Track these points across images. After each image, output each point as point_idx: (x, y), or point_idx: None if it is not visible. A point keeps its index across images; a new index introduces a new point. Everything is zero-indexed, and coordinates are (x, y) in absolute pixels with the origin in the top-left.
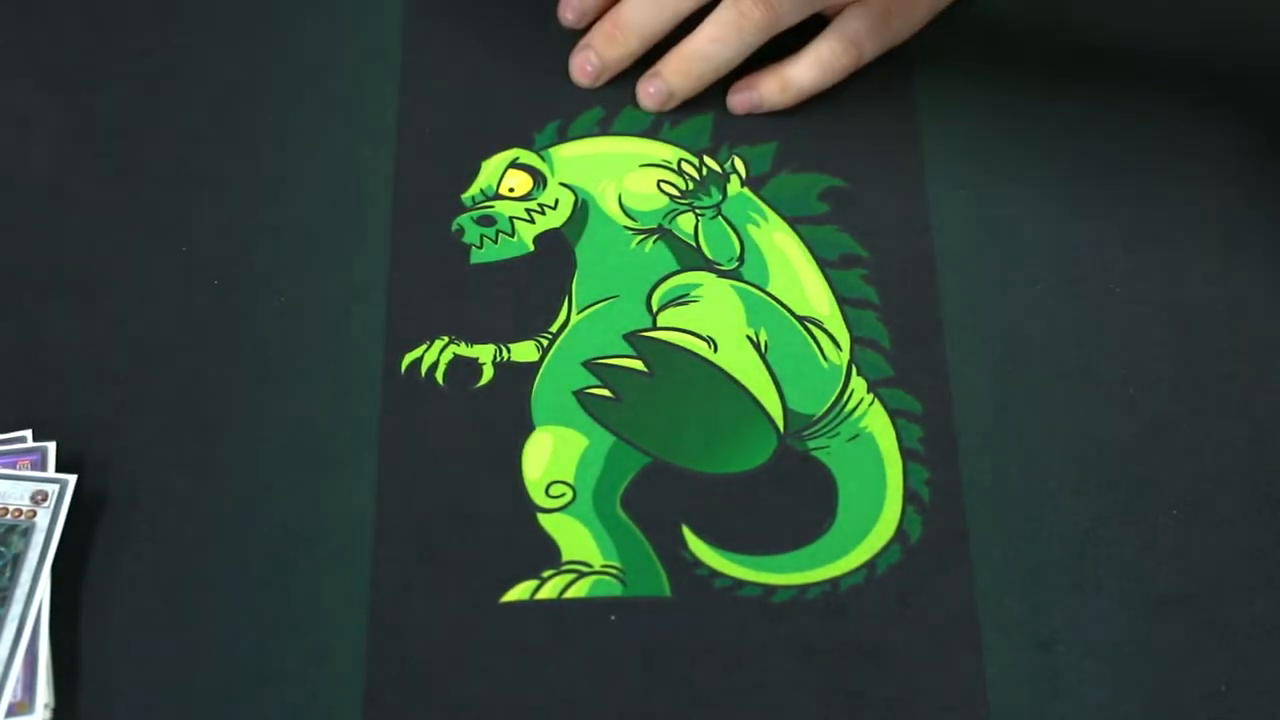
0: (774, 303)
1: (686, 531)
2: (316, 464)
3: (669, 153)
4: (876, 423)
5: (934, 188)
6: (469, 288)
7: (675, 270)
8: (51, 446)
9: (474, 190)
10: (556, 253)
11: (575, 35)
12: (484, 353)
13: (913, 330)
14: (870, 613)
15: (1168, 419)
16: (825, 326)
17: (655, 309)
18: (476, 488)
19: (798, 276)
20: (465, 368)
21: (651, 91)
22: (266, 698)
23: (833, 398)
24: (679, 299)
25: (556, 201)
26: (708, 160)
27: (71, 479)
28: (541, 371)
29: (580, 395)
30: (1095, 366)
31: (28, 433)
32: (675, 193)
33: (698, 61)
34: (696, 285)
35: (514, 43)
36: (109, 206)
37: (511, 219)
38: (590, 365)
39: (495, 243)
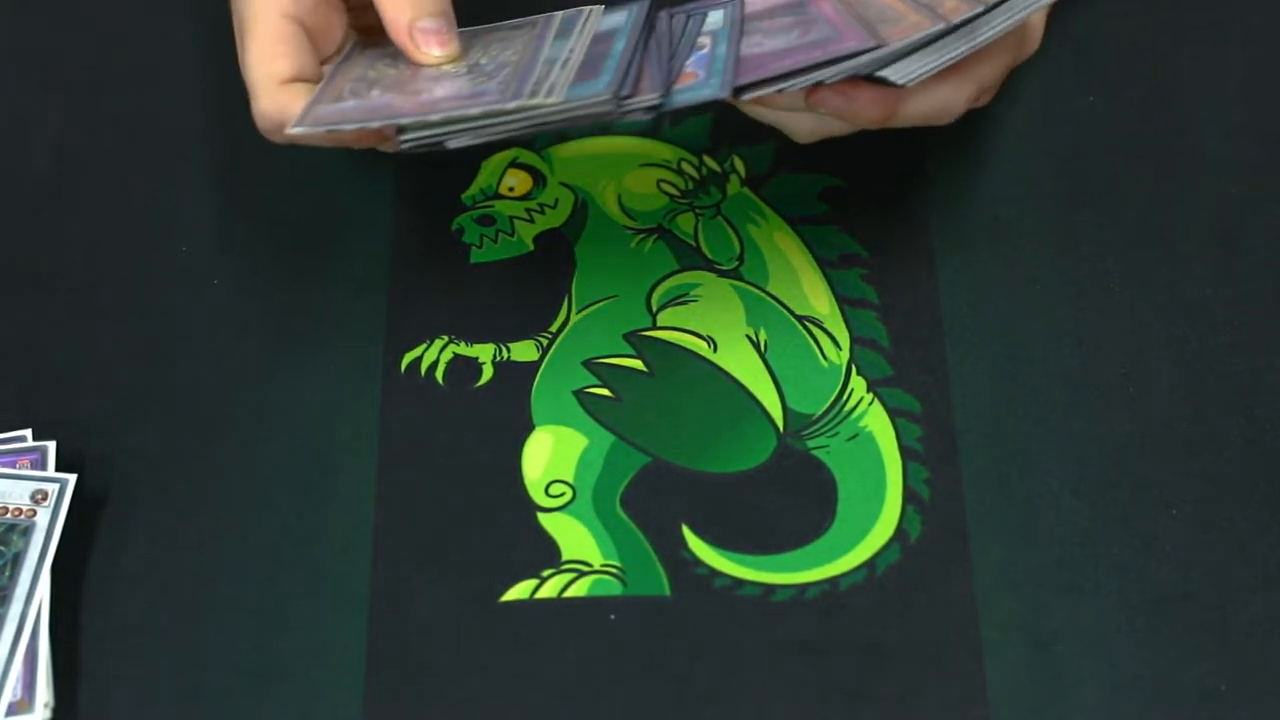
0: (774, 302)
1: (686, 531)
2: (316, 464)
3: (668, 152)
4: (876, 422)
5: (934, 188)
6: (469, 287)
7: (675, 270)
8: (51, 446)
9: (474, 190)
10: (556, 252)
11: None
12: (484, 352)
13: (912, 330)
14: (870, 612)
15: (1168, 419)
16: (825, 326)
17: (655, 308)
18: (476, 487)
19: (797, 276)
20: (465, 367)
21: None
22: (266, 698)
23: (832, 397)
24: (679, 298)
25: (556, 201)
26: (707, 160)
27: (71, 478)
28: (541, 371)
29: (580, 395)
30: (1095, 366)
31: (28, 432)
32: (675, 192)
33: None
34: (696, 285)
35: None
36: (109, 206)
37: (511, 218)
38: (590, 365)
39: (495, 242)
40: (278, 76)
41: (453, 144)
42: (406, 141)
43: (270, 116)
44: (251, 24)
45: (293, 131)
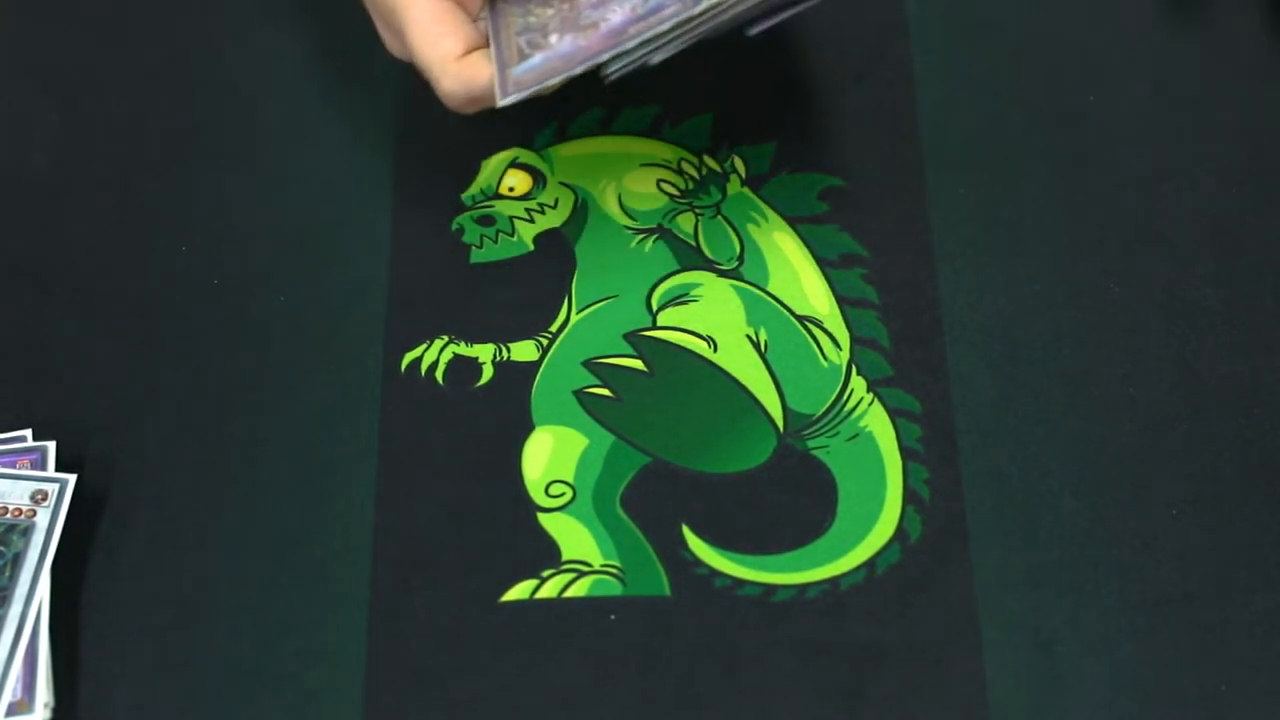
0: (774, 302)
1: (686, 531)
2: (316, 464)
3: (669, 152)
4: (876, 422)
5: (934, 188)
6: (469, 288)
7: (675, 270)
8: (51, 446)
9: (474, 190)
10: (556, 252)
11: None
12: (484, 352)
13: (913, 330)
14: (870, 612)
15: (1168, 419)
16: (825, 326)
17: (655, 308)
18: (476, 488)
19: (797, 276)
20: (465, 367)
21: None
22: (266, 698)
23: (832, 397)
24: (679, 298)
25: (556, 201)
26: (707, 160)
27: (71, 479)
28: (541, 371)
29: (580, 395)
30: (1095, 366)
31: (28, 432)
32: (675, 192)
33: None
34: (696, 285)
35: None
36: (109, 206)
37: (511, 218)
38: (590, 365)
39: (495, 242)
40: (451, 55)
41: (655, 60)
42: (612, 74)
43: (457, 94)
44: (403, 9)
45: (503, 104)
